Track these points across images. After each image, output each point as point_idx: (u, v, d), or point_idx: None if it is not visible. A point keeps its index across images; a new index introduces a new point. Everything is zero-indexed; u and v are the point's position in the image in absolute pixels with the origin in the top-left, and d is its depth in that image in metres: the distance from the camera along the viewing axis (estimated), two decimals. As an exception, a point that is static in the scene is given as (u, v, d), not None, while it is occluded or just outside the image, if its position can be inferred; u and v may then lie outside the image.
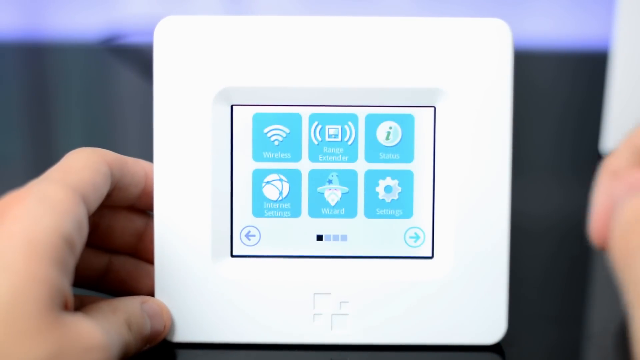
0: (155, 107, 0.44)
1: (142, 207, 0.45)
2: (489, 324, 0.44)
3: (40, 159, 0.75)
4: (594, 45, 0.96)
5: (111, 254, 0.46)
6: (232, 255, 0.45)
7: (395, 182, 0.45)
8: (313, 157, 0.45)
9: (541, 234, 0.60)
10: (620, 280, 0.29)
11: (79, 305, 0.41)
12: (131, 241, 0.46)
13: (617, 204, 0.30)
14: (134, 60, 0.89)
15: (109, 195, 0.43)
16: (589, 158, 0.73)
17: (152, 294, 0.45)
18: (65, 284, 0.36)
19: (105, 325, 0.38)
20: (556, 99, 0.88)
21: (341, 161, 0.45)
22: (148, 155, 0.45)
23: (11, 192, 0.38)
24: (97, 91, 0.88)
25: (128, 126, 0.81)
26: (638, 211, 0.29)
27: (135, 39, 0.93)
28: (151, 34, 0.44)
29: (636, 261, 0.28)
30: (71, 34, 0.99)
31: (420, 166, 0.45)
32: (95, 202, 0.40)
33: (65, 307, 0.36)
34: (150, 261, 0.45)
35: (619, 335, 0.46)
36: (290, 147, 0.45)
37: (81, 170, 0.40)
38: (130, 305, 0.41)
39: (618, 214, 0.29)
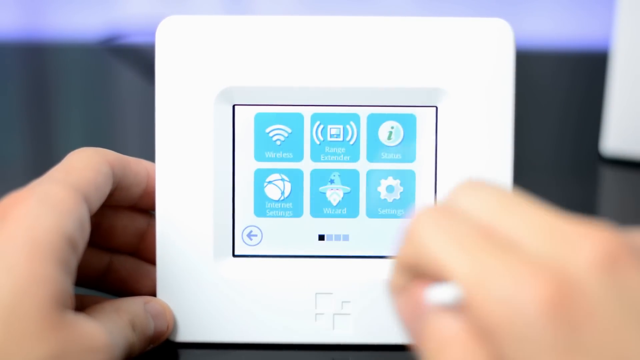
0: (157, 107, 0.44)
1: (144, 207, 0.45)
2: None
3: (40, 159, 0.75)
4: (594, 45, 0.96)
5: (112, 253, 0.46)
6: (234, 255, 0.45)
7: (397, 181, 0.45)
8: (315, 157, 0.45)
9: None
10: None
11: (80, 305, 0.41)
12: (133, 241, 0.46)
13: (415, 326, 0.30)
14: (134, 60, 0.89)
15: (110, 195, 0.43)
16: (589, 158, 0.73)
17: (152, 294, 0.45)
18: (67, 284, 0.36)
19: (109, 326, 0.38)
20: (556, 98, 0.88)
21: (343, 161, 0.45)
22: (148, 155, 0.45)
23: (13, 192, 0.38)
24: (97, 91, 0.88)
25: (128, 126, 0.81)
26: (436, 339, 0.29)
27: (135, 39, 0.93)
28: (151, 33, 0.44)
29: None
30: (71, 34, 0.99)
31: (422, 166, 0.45)
32: (97, 202, 0.40)
33: (69, 307, 0.36)
34: (152, 261, 0.45)
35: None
36: (292, 146, 0.45)
37: (83, 170, 0.40)
38: (134, 305, 0.41)
39: (421, 342, 0.29)
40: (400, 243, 0.30)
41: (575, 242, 0.27)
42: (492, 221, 0.29)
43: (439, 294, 0.29)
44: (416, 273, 0.30)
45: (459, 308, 0.28)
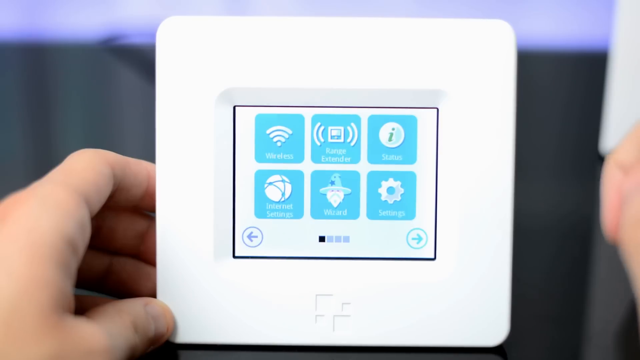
0: (157, 108, 0.44)
1: (145, 209, 0.45)
2: (492, 325, 0.44)
3: (40, 159, 0.75)
4: (594, 45, 0.96)
5: (113, 255, 0.46)
6: (234, 257, 0.45)
7: (398, 183, 0.45)
8: (315, 158, 0.45)
9: (541, 233, 0.60)
10: (631, 273, 0.30)
11: (81, 306, 0.41)
12: (133, 243, 0.46)
13: (626, 199, 0.30)
14: (134, 60, 0.89)
15: (111, 197, 0.42)
16: (589, 158, 0.73)
17: (153, 296, 0.44)
18: (67, 286, 0.36)
19: (111, 328, 0.38)
20: (556, 99, 0.88)
21: (344, 162, 0.45)
22: (148, 155, 0.45)
23: (14, 194, 0.38)
24: (98, 91, 0.88)
25: (128, 126, 0.81)
26: None
27: (135, 39, 0.93)
28: (151, 34, 0.44)
29: None
30: (71, 34, 0.99)
31: (423, 167, 0.45)
32: (98, 204, 0.40)
33: (69, 309, 0.36)
34: (152, 263, 0.45)
35: (619, 335, 0.47)
36: (293, 148, 0.45)
37: (83, 172, 0.40)
38: (135, 307, 0.41)
39: (627, 209, 0.30)
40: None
41: None
42: None
43: None
44: None
45: None
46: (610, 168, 0.32)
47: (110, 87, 0.89)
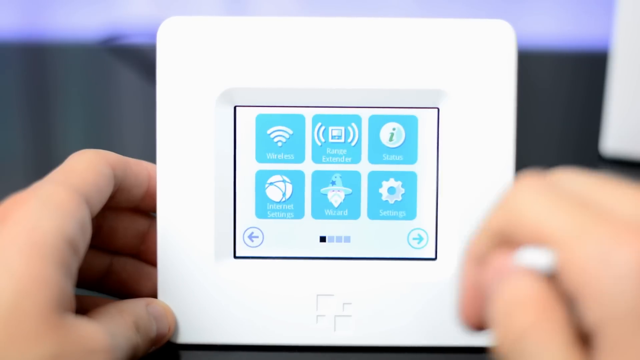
0: (158, 109, 0.44)
1: (146, 209, 0.45)
2: (492, 325, 0.44)
3: (40, 159, 0.75)
4: (594, 45, 0.96)
5: (113, 255, 0.46)
6: (235, 257, 0.45)
7: (399, 183, 0.45)
8: (316, 159, 0.45)
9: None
10: None
11: (81, 306, 0.40)
12: (133, 243, 0.46)
13: (489, 291, 0.30)
14: (134, 60, 0.89)
15: (112, 197, 0.42)
16: (589, 158, 0.73)
17: (153, 296, 0.45)
18: (68, 286, 0.36)
19: (112, 328, 0.38)
20: (556, 99, 0.88)
21: (344, 162, 0.45)
22: (148, 155, 0.45)
23: (14, 194, 0.38)
24: (98, 91, 0.88)
25: (128, 126, 0.81)
26: (514, 295, 0.29)
27: (135, 39, 0.93)
28: (151, 34, 0.44)
29: (523, 345, 0.28)
30: (71, 34, 0.99)
31: (423, 167, 0.45)
32: (98, 204, 0.40)
33: (70, 309, 0.36)
34: (153, 263, 0.45)
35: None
36: (294, 148, 0.45)
37: (84, 172, 0.40)
38: (137, 307, 0.41)
39: (495, 300, 0.29)
40: (493, 209, 0.31)
41: None
42: (588, 194, 0.30)
43: (532, 256, 0.29)
44: (502, 241, 0.30)
45: (547, 275, 0.29)
46: (466, 262, 0.32)
47: (110, 87, 0.89)
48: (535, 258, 0.29)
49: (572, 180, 0.31)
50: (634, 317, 0.26)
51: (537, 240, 0.29)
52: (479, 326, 0.32)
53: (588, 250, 0.27)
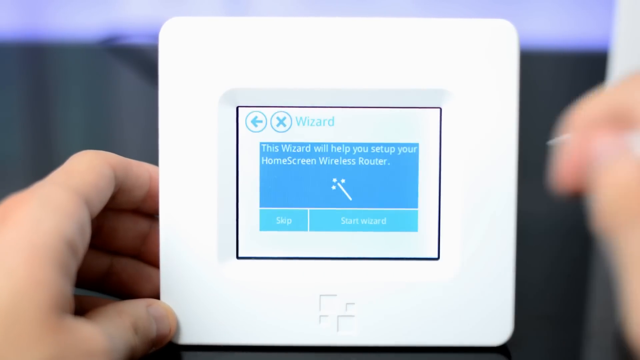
0: (160, 109, 0.44)
1: (147, 211, 0.45)
2: (495, 325, 0.44)
3: (40, 159, 0.75)
4: (594, 45, 0.96)
5: (114, 256, 0.45)
6: (237, 257, 0.45)
7: (402, 183, 0.45)
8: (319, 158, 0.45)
9: (541, 233, 0.60)
10: (613, 253, 0.28)
11: (81, 307, 0.40)
12: (135, 243, 0.45)
13: (599, 161, 0.28)
14: (134, 60, 0.89)
15: (112, 198, 0.42)
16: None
17: (153, 297, 0.44)
18: (67, 287, 0.36)
19: (111, 329, 0.38)
20: (556, 99, 0.88)
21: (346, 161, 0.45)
22: (149, 155, 0.45)
23: (14, 195, 0.38)
24: (98, 91, 0.88)
25: (128, 126, 0.81)
26: (631, 177, 0.27)
27: (135, 39, 0.93)
28: (152, 34, 0.44)
29: (632, 235, 0.27)
30: (71, 34, 0.99)
31: (425, 167, 0.45)
32: (99, 205, 0.40)
33: (69, 311, 0.36)
34: (154, 264, 0.45)
35: (619, 335, 0.47)
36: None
37: (84, 173, 0.40)
38: (136, 308, 0.41)
39: (605, 176, 0.28)
40: (612, 86, 0.29)
41: None
42: None
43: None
44: (616, 118, 0.29)
45: None
46: (575, 124, 0.29)
47: (110, 87, 0.89)
48: None
49: None
50: None
51: None
52: (575, 190, 0.30)
53: None
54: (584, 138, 0.29)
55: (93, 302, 0.43)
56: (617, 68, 0.69)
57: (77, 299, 0.39)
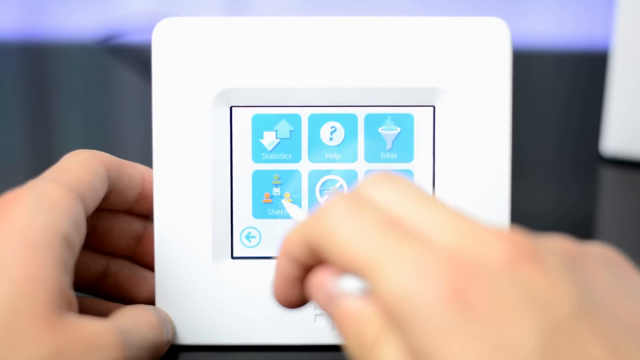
0: (154, 109, 0.44)
1: (140, 212, 0.45)
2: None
3: (39, 159, 0.75)
4: (594, 45, 0.96)
5: (109, 257, 0.45)
6: (232, 257, 0.45)
7: (395, 182, 0.45)
8: (313, 158, 0.45)
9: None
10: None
11: (81, 308, 0.40)
12: (129, 244, 0.45)
13: (319, 301, 0.31)
14: (133, 59, 0.89)
15: (106, 198, 0.42)
16: (589, 158, 0.73)
17: (149, 299, 0.44)
18: (65, 283, 0.36)
19: (127, 324, 0.38)
20: (556, 99, 0.87)
21: (341, 161, 0.45)
22: (147, 155, 0.45)
23: (8, 192, 0.38)
24: (97, 90, 0.88)
25: (127, 125, 0.81)
26: (351, 313, 0.30)
27: (134, 38, 0.93)
28: (150, 33, 0.44)
29: (376, 352, 0.29)
30: (71, 33, 0.99)
31: (419, 166, 0.45)
32: (93, 203, 0.40)
33: (69, 307, 0.36)
34: (149, 265, 0.45)
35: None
36: (290, 148, 0.45)
37: (78, 171, 0.40)
38: (135, 314, 0.41)
39: (336, 317, 0.30)
40: (308, 217, 0.31)
41: (483, 239, 0.29)
42: (404, 213, 0.30)
43: (345, 283, 0.30)
44: (313, 253, 0.31)
45: (368, 295, 0.29)
46: (280, 255, 0.33)
47: (109, 86, 0.89)
48: (350, 286, 0.30)
49: (390, 194, 0.31)
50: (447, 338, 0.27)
51: (348, 267, 0.29)
52: (291, 306, 0.34)
53: (396, 281, 0.28)
54: (287, 267, 0.32)
55: (86, 302, 0.43)
56: (617, 68, 0.69)
57: (83, 301, 0.39)
